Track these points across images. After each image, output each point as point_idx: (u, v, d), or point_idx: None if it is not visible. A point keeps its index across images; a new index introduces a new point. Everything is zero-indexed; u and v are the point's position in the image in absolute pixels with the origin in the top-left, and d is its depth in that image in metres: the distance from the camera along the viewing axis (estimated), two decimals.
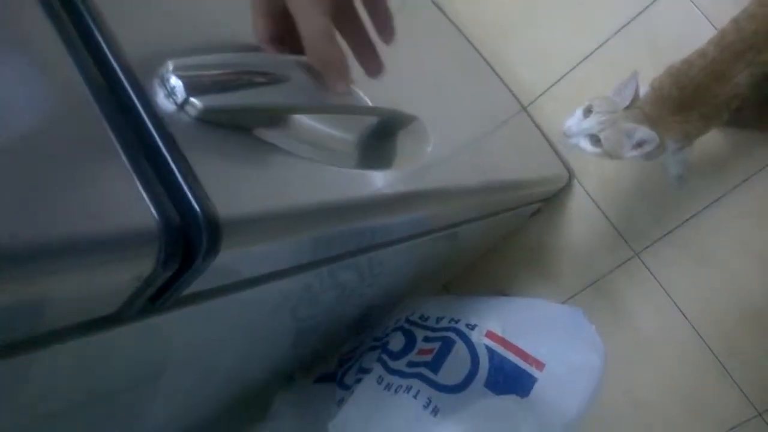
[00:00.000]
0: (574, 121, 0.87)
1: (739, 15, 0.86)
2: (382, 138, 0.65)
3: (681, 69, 0.87)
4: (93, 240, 0.32)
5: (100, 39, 0.42)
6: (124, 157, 0.36)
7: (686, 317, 1.12)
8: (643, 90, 0.91)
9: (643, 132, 0.82)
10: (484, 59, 1.23)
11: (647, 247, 1.14)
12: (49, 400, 0.45)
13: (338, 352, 1.03)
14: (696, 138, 0.91)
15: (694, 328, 1.12)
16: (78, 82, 0.39)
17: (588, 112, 0.86)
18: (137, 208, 0.34)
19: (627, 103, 0.85)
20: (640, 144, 0.84)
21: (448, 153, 0.77)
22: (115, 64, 0.41)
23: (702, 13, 1.10)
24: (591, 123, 0.84)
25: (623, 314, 1.17)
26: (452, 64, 1.14)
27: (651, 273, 1.15)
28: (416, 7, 1.20)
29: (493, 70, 1.23)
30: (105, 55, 0.41)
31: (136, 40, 0.44)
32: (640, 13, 1.15)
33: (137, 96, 0.40)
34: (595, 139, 0.85)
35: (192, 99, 0.40)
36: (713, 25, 1.09)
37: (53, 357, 0.38)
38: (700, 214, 1.10)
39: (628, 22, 1.16)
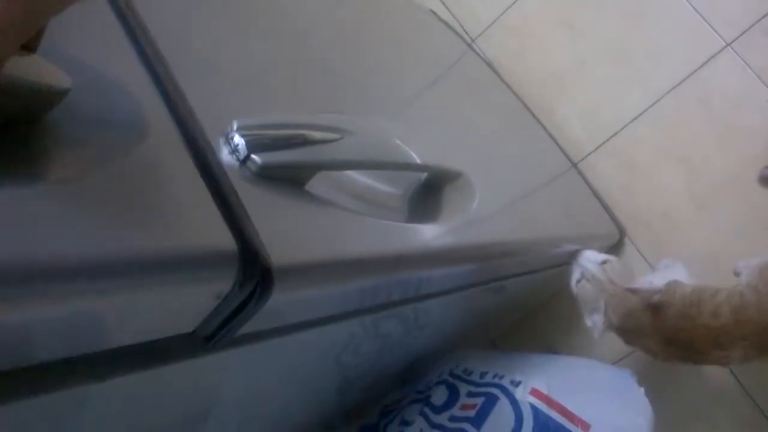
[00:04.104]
0: (591, 258, 0.93)
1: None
2: (429, 192, 0.67)
3: (695, 303, 0.84)
4: (182, 257, 0.36)
5: (173, 96, 0.46)
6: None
7: (740, 382, 1.08)
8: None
9: (598, 320, 0.88)
10: (535, 117, 1.26)
11: None
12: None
13: (380, 404, 1.04)
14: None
15: (747, 393, 1.07)
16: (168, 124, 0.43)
17: (603, 263, 0.91)
18: (222, 234, 0.39)
19: (630, 285, 0.86)
20: (592, 321, 0.89)
21: (495, 208, 0.78)
22: (187, 122, 0.45)
23: (755, 74, 1.10)
24: (589, 270, 0.90)
25: (674, 376, 1.13)
26: (503, 121, 1.17)
27: None
28: (469, 67, 1.24)
29: (544, 127, 1.25)
30: (179, 112, 0.46)
31: (208, 98, 0.48)
32: (692, 72, 1.16)
33: (208, 151, 0.44)
34: (578, 280, 0.91)
35: (253, 156, 0.44)
36: (766, 85, 1.09)
37: (112, 387, 0.41)
38: None
39: (681, 82, 1.17)
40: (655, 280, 0.88)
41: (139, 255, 0.34)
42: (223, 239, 0.38)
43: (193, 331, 0.41)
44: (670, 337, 0.84)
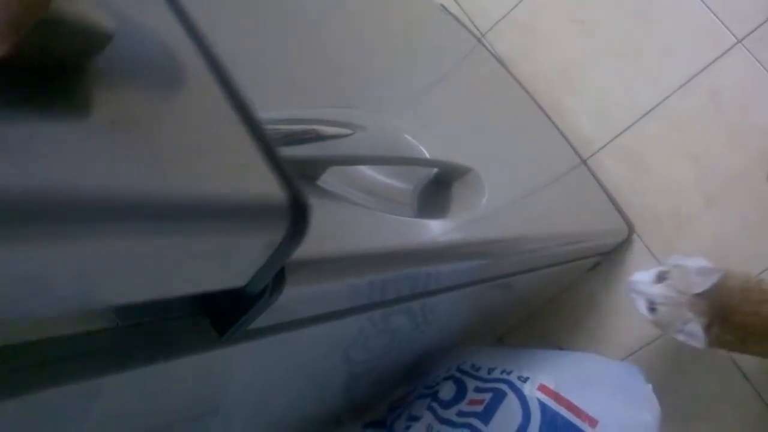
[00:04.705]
0: (644, 280, 0.88)
1: None
2: (439, 188, 0.67)
3: (755, 288, 0.84)
4: (235, 203, 0.36)
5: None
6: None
7: (748, 379, 1.07)
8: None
9: (695, 329, 0.84)
10: (545, 112, 1.25)
11: None
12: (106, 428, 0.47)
13: (388, 399, 1.04)
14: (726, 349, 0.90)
15: (756, 390, 1.07)
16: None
17: (661, 279, 0.87)
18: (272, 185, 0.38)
19: (701, 290, 0.84)
20: (688, 334, 0.85)
21: (504, 204, 0.78)
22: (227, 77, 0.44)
23: (766, 70, 1.09)
24: (658, 293, 0.86)
25: (682, 374, 1.13)
26: (512, 117, 1.17)
27: None
28: (478, 62, 1.24)
29: (553, 123, 1.24)
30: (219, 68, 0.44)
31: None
32: (703, 69, 1.15)
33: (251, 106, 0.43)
34: (652, 307, 0.87)
35: None
36: None
37: (127, 380, 0.42)
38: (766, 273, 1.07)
39: (691, 78, 1.16)
40: (697, 268, 0.86)
41: (193, 197, 0.33)
42: (273, 189, 0.38)
43: (246, 286, 0.40)
44: (724, 317, 0.84)
